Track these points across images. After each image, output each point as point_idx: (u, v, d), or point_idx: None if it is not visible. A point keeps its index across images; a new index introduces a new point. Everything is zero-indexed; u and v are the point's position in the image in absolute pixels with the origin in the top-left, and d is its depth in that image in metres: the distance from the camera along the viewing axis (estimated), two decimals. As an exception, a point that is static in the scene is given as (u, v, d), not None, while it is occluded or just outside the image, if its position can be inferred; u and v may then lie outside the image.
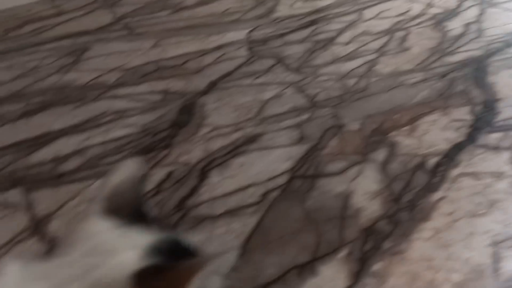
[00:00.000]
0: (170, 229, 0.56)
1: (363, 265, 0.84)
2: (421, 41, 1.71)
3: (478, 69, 1.51)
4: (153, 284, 0.47)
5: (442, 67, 1.53)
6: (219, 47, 1.76)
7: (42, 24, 1.99)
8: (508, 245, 0.87)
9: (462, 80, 1.45)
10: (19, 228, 0.95)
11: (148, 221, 0.56)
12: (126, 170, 0.57)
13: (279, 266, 0.85)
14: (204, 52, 1.72)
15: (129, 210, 0.55)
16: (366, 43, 1.75)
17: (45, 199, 1.02)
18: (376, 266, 0.84)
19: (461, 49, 1.63)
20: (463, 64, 1.53)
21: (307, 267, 0.84)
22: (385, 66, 1.59)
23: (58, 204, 1.01)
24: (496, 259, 0.85)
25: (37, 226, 0.94)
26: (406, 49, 1.69)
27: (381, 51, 1.69)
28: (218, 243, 0.90)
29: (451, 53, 1.61)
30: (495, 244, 0.88)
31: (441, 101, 1.35)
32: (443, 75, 1.48)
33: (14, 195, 1.04)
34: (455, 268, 0.84)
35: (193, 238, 0.84)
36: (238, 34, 1.85)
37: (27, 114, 1.37)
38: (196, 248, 0.55)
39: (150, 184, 1.06)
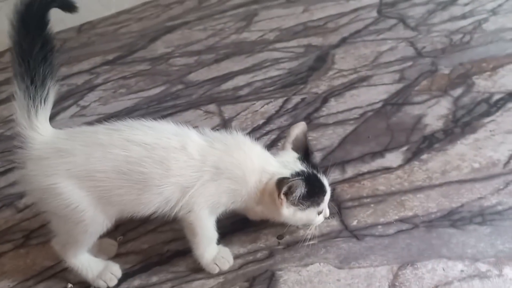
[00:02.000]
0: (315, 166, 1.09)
1: (415, 155, 1.31)
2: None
3: None
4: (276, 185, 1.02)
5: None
6: (355, 10, 2.24)
7: (226, -4, 2.70)
8: (525, 151, 1.24)
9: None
10: (215, 124, 1.63)
11: (309, 157, 1.11)
12: (299, 127, 1.12)
13: (360, 152, 1.36)
14: (342, 15, 2.22)
15: (301, 149, 1.11)
16: (484, 4, 2.03)
17: (228, 110, 1.69)
18: (424, 156, 1.30)
19: None
20: None
21: (378, 153, 1.35)
22: (492, 24, 1.88)
23: (236, 113, 1.66)
24: (511, 157, 1.23)
25: (225, 124, 1.61)
26: (519, 8, 1.93)
27: (494, 11, 1.96)
28: (326, 138, 1.44)
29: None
30: (516, 150, 1.26)
31: (528, 53, 1.63)
32: (541, 31, 1.72)
33: (212, 107, 1.73)
34: (478, 160, 1.25)
35: (312, 135, 1.41)
36: (373, -1, 2.28)
37: (217, 61, 2.07)
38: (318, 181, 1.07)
39: (290, 104, 1.65)
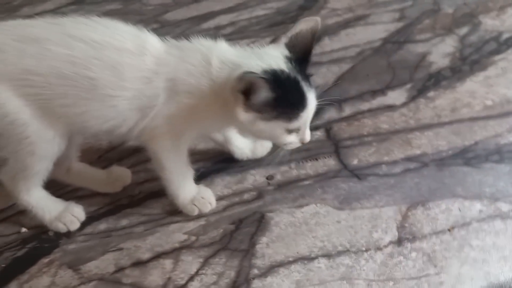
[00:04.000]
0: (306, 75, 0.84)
1: (421, 93, 1.17)
2: None
3: None
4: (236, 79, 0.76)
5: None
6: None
7: None
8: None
9: None
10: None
11: (306, 62, 0.84)
12: (308, 22, 0.83)
13: (359, 90, 1.22)
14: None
15: (300, 49, 0.83)
16: None
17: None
18: (430, 94, 1.17)
19: None
20: None
21: (379, 91, 1.20)
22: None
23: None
24: (527, 94, 1.11)
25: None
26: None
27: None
28: (320, 77, 1.29)
29: None
30: (532, 86, 1.13)
31: (538, -7, 1.51)
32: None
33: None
34: (491, 97, 1.12)
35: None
36: None
37: (196, 0, 1.88)
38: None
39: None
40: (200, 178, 1.01)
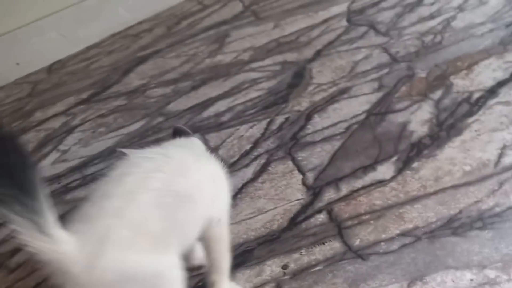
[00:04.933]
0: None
1: (406, 165, 1.32)
2: (500, -6, 1.97)
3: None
4: None
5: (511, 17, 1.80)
6: (325, 21, 2.24)
7: (193, 19, 2.69)
8: (513, 148, 1.26)
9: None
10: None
11: None
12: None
13: (351, 167, 1.36)
14: (313, 27, 2.22)
15: None
16: (450, 2, 2.06)
17: (214, 138, 1.67)
18: (414, 165, 1.31)
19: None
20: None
21: (369, 167, 1.35)
22: (461, 21, 1.91)
23: (221, 141, 1.64)
24: (500, 155, 1.25)
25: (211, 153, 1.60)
26: (485, 3, 1.97)
27: (461, 8, 2.00)
28: (315, 157, 1.44)
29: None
30: (503, 147, 1.27)
31: (500, 48, 1.67)
32: (508, 24, 1.76)
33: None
34: (468, 162, 1.26)
35: (301, 155, 1.41)
36: (341, 8, 2.30)
37: (194, 88, 2.05)
38: None
39: (274, 126, 1.65)
40: (223, 274, 1.13)
